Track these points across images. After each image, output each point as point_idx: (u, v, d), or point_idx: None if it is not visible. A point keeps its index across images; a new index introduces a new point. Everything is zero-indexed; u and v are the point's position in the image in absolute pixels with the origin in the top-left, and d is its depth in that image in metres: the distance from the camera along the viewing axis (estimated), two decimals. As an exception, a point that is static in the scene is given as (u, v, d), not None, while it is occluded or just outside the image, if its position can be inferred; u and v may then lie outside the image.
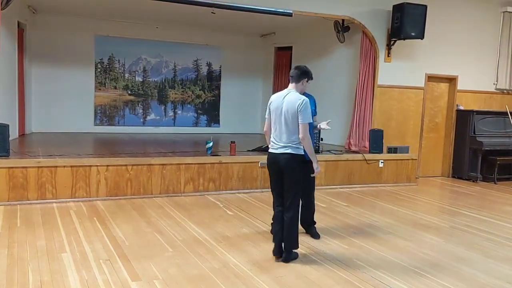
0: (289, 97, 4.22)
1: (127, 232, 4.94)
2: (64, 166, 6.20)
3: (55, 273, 3.74)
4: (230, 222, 5.53)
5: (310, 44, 10.74)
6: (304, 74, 4.31)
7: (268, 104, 4.39)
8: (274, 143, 4.30)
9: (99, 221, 5.34)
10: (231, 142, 7.41)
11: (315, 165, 4.34)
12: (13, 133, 7.98)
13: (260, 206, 6.40)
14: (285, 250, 4.26)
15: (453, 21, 9.33)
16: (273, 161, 4.32)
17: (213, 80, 12.23)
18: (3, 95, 7.65)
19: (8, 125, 6.34)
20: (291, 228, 4.26)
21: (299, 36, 11.10)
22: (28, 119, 9.97)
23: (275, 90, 12.04)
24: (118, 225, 5.17)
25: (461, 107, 9.63)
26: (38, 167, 6.06)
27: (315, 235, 5.05)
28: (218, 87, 12.28)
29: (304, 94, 4.73)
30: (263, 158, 7.39)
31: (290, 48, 11.52)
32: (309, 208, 5.09)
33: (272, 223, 4.66)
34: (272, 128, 4.33)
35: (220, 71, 12.22)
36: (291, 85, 4.32)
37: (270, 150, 4.34)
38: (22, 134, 9.38)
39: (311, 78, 4.40)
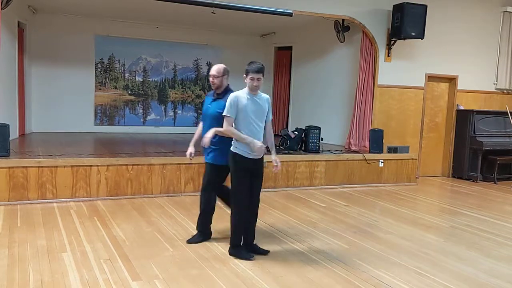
0: None
1: (127, 231, 4.95)
2: (64, 166, 6.20)
3: (56, 273, 3.74)
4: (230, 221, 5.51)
5: (310, 44, 10.74)
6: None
7: None
8: None
9: (99, 220, 5.34)
10: (231, 142, 7.41)
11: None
12: (13, 133, 7.99)
13: (260, 206, 6.36)
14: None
15: (453, 21, 9.33)
16: None
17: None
18: (3, 95, 7.65)
19: (8, 125, 6.34)
20: (231, 223, 4.40)
21: (299, 36, 11.10)
22: (28, 119, 9.98)
23: (275, 90, 12.10)
24: (118, 225, 5.18)
25: (461, 107, 9.63)
26: (39, 167, 6.07)
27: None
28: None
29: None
30: (263, 158, 7.41)
31: (290, 48, 11.53)
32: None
33: None
34: None
35: (220, 71, 12.22)
36: None
37: None
38: (22, 134, 9.39)
39: (247, 73, 4.46)
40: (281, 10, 7.93)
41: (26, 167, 6.01)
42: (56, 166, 6.16)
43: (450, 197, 7.84)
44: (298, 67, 11.26)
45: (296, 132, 8.36)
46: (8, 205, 5.87)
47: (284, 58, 11.85)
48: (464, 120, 9.46)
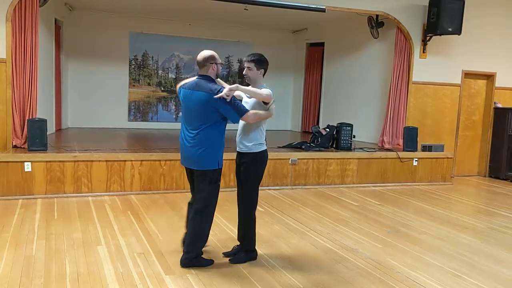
0: None
1: (160, 226, 5.01)
2: (99, 161, 6.32)
3: (91, 265, 3.82)
4: (261, 218, 5.51)
5: (343, 39, 10.62)
6: None
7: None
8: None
9: (133, 215, 5.42)
10: (263, 138, 7.39)
11: None
12: (50, 128, 8.19)
13: (291, 203, 6.38)
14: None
15: (492, 16, 9.04)
16: None
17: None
18: (42, 91, 7.84)
19: (46, 120, 6.52)
20: None
21: (332, 31, 10.99)
22: (65, 114, 10.22)
23: (306, 86, 12.01)
24: (151, 219, 5.25)
25: (499, 105, 9.35)
26: (75, 161, 6.21)
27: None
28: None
29: None
30: (294, 155, 7.40)
31: (322, 44, 11.42)
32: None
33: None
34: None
35: (252, 68, 12.22)
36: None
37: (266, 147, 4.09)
38: (58, 129, 9.62)
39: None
40: (314, 6, 7.86)
41: (63, 161, 6.16)
42: (92, 161, 6.28)
43: (487, 198, 7.62)
44: (330, 63, 11.15)
45: (328, 129, 8.28)
46: (45, 198, 6.02)
47: (316, 54, 11.76)
48: (502, 118, 9.18)
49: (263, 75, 4.08)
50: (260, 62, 4.02)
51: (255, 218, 4.11)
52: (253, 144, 3.96)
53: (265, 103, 3.92)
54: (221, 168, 3.96)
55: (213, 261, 3.98)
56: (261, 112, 3.89)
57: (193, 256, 3.89)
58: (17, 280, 3.48)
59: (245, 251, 4.10)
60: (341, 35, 10.70)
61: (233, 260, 4.06)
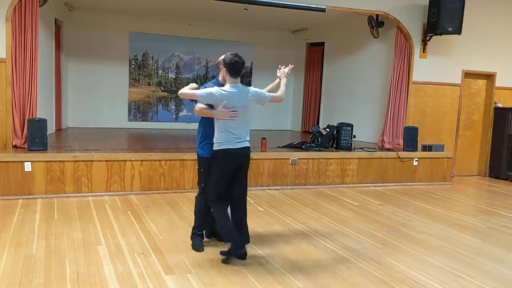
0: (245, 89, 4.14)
1: (160, 226, 5.00)
2: (99, 161, 6.32)
3: (91, 265, 3.82)
4: (261, 218, 5.52)
5: (343, 39, 10.62)
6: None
7: (223, 98, 3.95)
8: (237, 137, 4.04)
9: (133, 214, 5.42)
10: (262, 138, 7.40)
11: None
12: (50, 128, 8.20)
13: (291, 203, 6.38)
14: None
15: (492, 15, 9.04)
16: (237, 157, 4.11)
17: (244, 76, 12.22)
18: (42, 91, 7.85)
19: (46, 120, 6.52)
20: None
21: (332, 31, 10.99)
22: (65, 114, 10.22)
23: (307, 86, 12.01)
24: (151, 219, 5.24)
25: (499, 105, 9.35)
26: (75, 161, 6.20)
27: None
28: (249, 83, 12.27)
29: None
30: (294, 155, 7.40)
31: (322, 44, 11.43)
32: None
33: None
34: (232, 124, 4.03)
35: (252, 67, 12.23)
36: (238, 80, 4.07)
37: (233, 146, 4.05)
38: (59, 129, 9.62)
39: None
40: (314, 6, 7.86)
41: (63, 161, 6.16)
42: (92, 161, 6.28)
43: (487, 197, 7.62)
44: (330, 63, 11.15)
45: (328, 129, 8.28)
46: (45, 198, 6.02)
47: (316, 54, 11.76)
48: (502, 118, 9.18)
49: (230, 75, 4.03)
50: (222, 61, 4.12)
51: (216, 212, 4.22)
52: (213, 141, 4.13)
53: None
54: (205, 158, 4.25)
55: (203, 250, 4.28)
56: (205, 107, 4.10)
57: (192, 232, 4.42)
58: (17, 280, 3.47)
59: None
60: (341, 35, 10.70)
61: (224, 260, 4.09)
